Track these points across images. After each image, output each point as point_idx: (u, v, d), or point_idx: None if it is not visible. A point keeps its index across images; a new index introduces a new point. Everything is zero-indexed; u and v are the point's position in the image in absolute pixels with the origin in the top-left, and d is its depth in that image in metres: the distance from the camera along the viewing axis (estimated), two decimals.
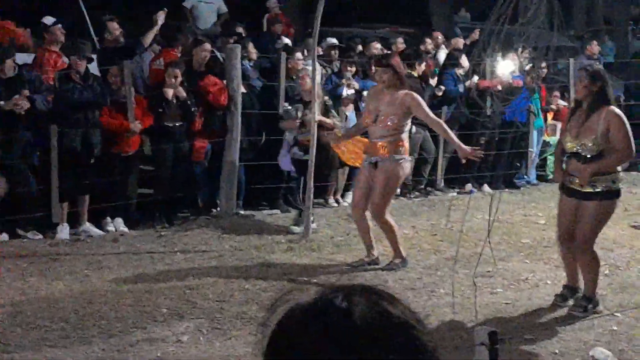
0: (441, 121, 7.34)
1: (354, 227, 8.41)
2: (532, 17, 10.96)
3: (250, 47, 9.65)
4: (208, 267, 7.10)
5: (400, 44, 11.21)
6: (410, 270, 6.97)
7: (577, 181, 5.71)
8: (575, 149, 5.71)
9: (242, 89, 8.84)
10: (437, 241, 7.97)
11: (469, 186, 10.46)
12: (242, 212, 8.89)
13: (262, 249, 7.61)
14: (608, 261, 7.32)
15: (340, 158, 8.43)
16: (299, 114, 8.50)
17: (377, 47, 10.33)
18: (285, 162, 8.70)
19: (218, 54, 9.28)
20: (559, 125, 11.30)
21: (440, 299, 6.28)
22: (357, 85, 9.50)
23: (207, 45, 9.00)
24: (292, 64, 9.29)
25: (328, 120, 8.23)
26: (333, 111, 8.60)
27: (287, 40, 10.79)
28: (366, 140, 7.31)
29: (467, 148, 6.92)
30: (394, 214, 9.17)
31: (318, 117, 7.87)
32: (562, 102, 11.46)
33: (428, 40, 11.12)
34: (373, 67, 9.63)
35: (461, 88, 10.21)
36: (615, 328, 5.65)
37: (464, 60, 10.37)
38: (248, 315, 5.83)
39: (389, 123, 6.78)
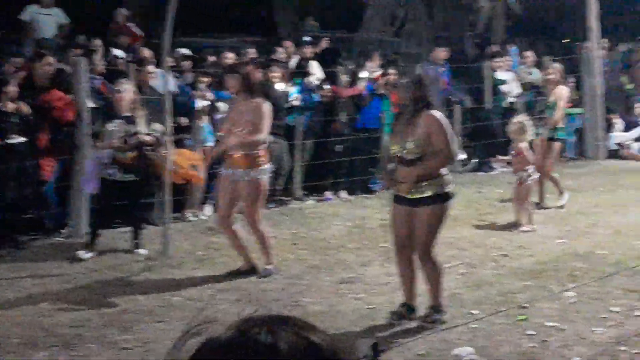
0: (261, 136, 7.02)
1: (214, 241, 8.29)
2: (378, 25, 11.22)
3: (97, 59, 9.29)
4: (61, 291, 6.74)
5: (252, 53, 11.17)
6: (274, 281, 6.91)
7: (405, 187, 5.67)
8: (399, 152, 5.73)
9: (92, 104, 8.48)
10: (299, 250, 7.95)
11: (327, 194, 10.55)
12: None
13: (119, 269, 7.33)
14: (463, 260, 7.55)
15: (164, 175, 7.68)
16: (119, 132, 7.71)
17: (229, 56, 10.23)
18: (90, 184, 7.87)
19: (65, 67, 8.87)
20: None
21: (305, 308, 6.25)
22: (211, 96, 9.36)
23: (50, 59, 8.60)
24: (143, 76, 9.03)
25: (151, 139, 7.72)
26: (156, 125, 7.93)
27: (117, 52, 10.39)
28: (189, 152, 7.27)
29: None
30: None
31: (143, 135, 7.61)
32: None
33: (279, 49, 11.12)
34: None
35: (316, 97, 10.29)
36: (475, 326, 5.80)
37: (316, 69, 10.45)
38: (108, 339, 5.57)
39: (243, 131, 6.78)
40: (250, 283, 6.88)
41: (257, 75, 7.36)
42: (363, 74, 10.47)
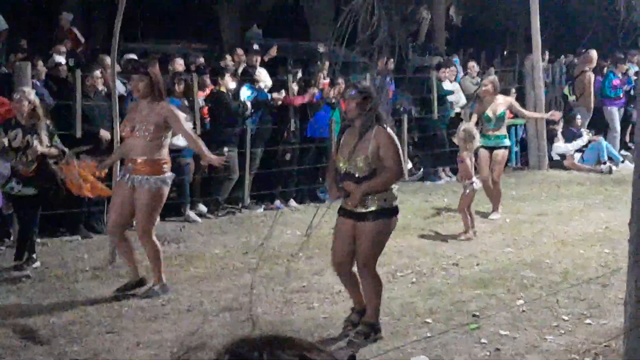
0: (192, 134, 7.00)
1: (163, 250, 8.14)
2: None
3: (40, 64, 9.08)
4: (6, 302, 6.54)
5: (199, 61, 11.10)
6: (226, 291, 6.83)
7: (350, 202, 5.50)
8: (347, 169, 5.50)
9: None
10: (250, 259, 7.88)
11: (277, 202, 10.50)
12: (38, 239, 8.30)
13: (65, 278, 7.15)
14: (414, 269, 7.59)
15: (70, 188, 7.31)
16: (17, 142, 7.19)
17: (180, 62, 10.11)
18: None
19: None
20: None
21: (259, 318, 6.18)
22: None
23: None
24: (90, 81, 8.86)
25: (54, 150, 7.29)
26: (56, 136, 7.45)
27: (58, 58, 10.16)
28: (93, 164, 7.06)
29: (214, 156, 6.84)
30: (202, 233, 9.07)
31: (42, 147, 7.17)
32: None
33: (228, 57, 11.04)
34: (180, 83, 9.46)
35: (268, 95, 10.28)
36: (428, 334, 5.82)
37: (265, 76, 10.41)
38: (57, 351, 5.43)
39: (145, 134, 6.44)
40: (201, 292, 6.79)
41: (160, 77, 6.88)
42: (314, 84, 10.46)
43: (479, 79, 13.74)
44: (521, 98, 13.95)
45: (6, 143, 7.15)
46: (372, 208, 5.48)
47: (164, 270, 6.74)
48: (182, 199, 9.70)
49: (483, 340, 5.66)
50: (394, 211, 5.60)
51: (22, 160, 7.13)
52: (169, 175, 6.60)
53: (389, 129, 5.56)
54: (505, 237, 8.94)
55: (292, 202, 10.65)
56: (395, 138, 5.60)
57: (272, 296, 6.71)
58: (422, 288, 7.01)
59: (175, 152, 9.44)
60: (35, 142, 7.14)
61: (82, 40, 12.88)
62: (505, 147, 10.01)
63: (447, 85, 13.02)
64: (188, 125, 6.80)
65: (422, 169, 13.05)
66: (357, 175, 5.47)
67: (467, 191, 8.90)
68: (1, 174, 7.14)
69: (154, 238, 6.62)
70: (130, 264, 6.80)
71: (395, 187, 5.60)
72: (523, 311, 6.33)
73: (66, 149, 7.42)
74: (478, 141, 9.09)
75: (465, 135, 8.89)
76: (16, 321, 6.01)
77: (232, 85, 9.97)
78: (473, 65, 14.14)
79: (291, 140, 10.56)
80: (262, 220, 9.74)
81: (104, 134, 8.83)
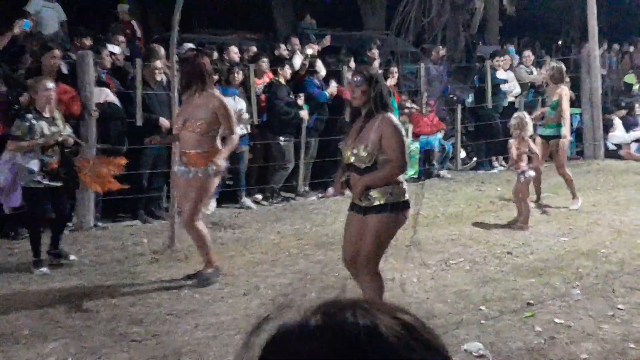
0: (235, 135, 6.68)
1: (219, 235, 8.34)
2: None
3: (105, 53, 9.28)
4: (69, 283, 6.75)
5: (252, 51, 11.19)
6: (281, 276, 6.94)
7: (355, 195, 5.23)
8: (351, 160, 5.21)
9: (111, 98, 8.47)
10: (304, 245, 7.98)
11: (330, 190, 10.57)
12: (100, 224, 8.54)
13: (125, 262, 7.35)
14: (467, 257, 7.60)
15: (84, 182, 7.36)
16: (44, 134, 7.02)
17: (235, 51, 10.23)
18: (13, 198, 7.02)
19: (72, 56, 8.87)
20: (411, 127, 11.67)
21: (311, 302, 6.27)
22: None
23: (57, 52, 8.58)
24: (149, 71, 9.04)
25: (70, 140, 7.21)
26: (68, 126, 7.34)
27: (114, 49, 10.35)
28: (118, 161, 7.04)
29: (219, 166, 6.45)
30: (258, 220, 9.21)
31: (66, 137, 7.08)
32: (413, 105, 11.83)
33: (282, 46, 11.13)
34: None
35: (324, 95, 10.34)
36: (482, 322, 5.84)
37: (320, 66, 10.48)
38: (118, 332, 5.59)
39: (197, 129, 6.41)
40: (257, 277, 6.91)
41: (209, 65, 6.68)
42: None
43: (533, 68, 13.62)
44: (577, 87, 13.82)
45: (40, 139, 7.00)
46: (377, 202, 5.16)
47: (213, 256, 6.75)
48: (238, 186, 9.85)
49: (537, 328, 5.66)
50: (402, 207, 5.21)
51: (47, 153, 7.02)
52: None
53: (394, 118, 5.25)
54: (561, 227, 8.88)
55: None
56: (401, 128, 5.28)
57: (326, 281, 6.80)
58: (475, 276, 7.02)
59: None
60: (59, 129, 7.05)
61: (140, 31, 13.11)
62: (560, 136, 9.91)
63: (501, 74, 12.93)
64: (236, 123, 6.66)
65: (475, 158, 13.00)
66: (359, 166, 5.16)
67: (522, 179, 8.86)
68: (29, 169, 6.95)
69: (199, 225, 6.58)
70: (202, 254, 6.74)
71: (403, 181, 5.27)
72: (578, 300, 6.30)
73: (82, 142, 7.42)
74: (530, 129, 9.03)
75: (519, 122, 8.86)
76: (78, 303, 6.20)
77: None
78: (529, 54, 14.00)
79: (345, 129, 10.61)
80: (315, 208, 9.85)
81: (164, 122, 9.01)
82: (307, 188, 10.63)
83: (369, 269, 5.26)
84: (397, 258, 7.60)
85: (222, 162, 6.47)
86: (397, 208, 5.17)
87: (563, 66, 10.17)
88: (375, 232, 5.17)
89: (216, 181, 6.63)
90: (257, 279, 6.86)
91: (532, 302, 6.24)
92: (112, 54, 9.89)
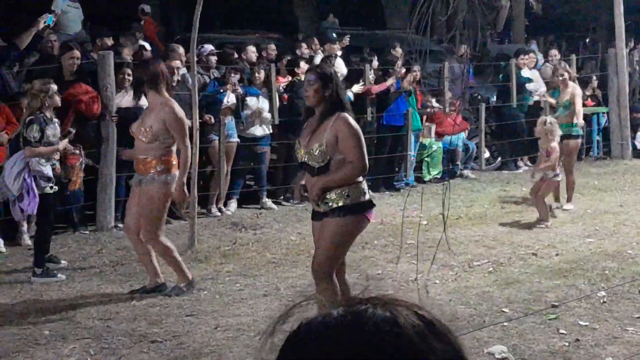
0: (185, 151, 6.23)
1: (239, 236, 8.31)
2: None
3: (126, 52, 9.27)
4: (89, 284, 6.75)
5: (271, 50, 11.14)
6: (302, 277, 6.88)
7: (312, 200, 5.05)
8: (304, 158, 5.03)
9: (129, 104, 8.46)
10: None
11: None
12: (120, 225, 8.53)
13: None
14: (491, 258, 7.50)
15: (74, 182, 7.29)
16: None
17: (253, 51, 10.21)
18: (32, 204, 6.63)
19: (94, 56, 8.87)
20: (434, 127, 11.57)
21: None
22: (241, 91, 9.33)
23: (77, 52, 8.60)
24: (169, 71, 9.02)
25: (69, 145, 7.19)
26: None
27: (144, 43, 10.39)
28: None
29: (179, 192, 6.19)
30: (278, 220, 9.16)
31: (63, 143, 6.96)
32: (436, 105, 11.73)
33: (304, 45, 11.08)
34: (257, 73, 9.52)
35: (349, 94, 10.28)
36: (505, 324, 5.75)
37: (341, 66, 10.42)
38: (138, 333, 5.57)
39: (142, 136, 6.10)
40: (277, 278, 6.86)
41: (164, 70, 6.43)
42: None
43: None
44: (604, 86, 13.65)
45: (59, 144, 6.84)
46: (334, 204, 4.95)
47: (185, 268, 6.45)
48: (259, 186, 9.82)
49: (562, 331, 5.56)
50: (363, 207, 5.02)
51: (54, 157, 6.84)
52: (174, 174, 6.17)
53: (350, 118, 5.02)
54: (586, 228, 8.75)
55: (369, 192, 10.64)
56: (358, 128, 5.06)
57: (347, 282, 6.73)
58: (499, 277, 6.92)
59: (252, 140, 9.57)
60: (57, 130, 6.87)
61: (160, 30, 13.15)
62: (576, 137, 9.73)
63: (525, 72, 12.78)
64: (187, 135, 6.31)
65: (499, 158, 12.86)
66: (313, 165, 4.97)
67: (551, 180, 8.79)
68: (46, 175, 6.68)
69: (162, 239, 6.24)
70: (147, 267, 6.50)
71: (362, 181, 5.08)
72: (604, 302, 6.18)
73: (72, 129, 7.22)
74: (559, 132, 8.95)
75: (549, 128, 8.78)
76: (98, 303, 6.19)
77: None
78: (555, 53, 13.85)
79: (367, 129, 10.54)
80: None
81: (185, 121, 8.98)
82: None
83: (321, 276, 4.97)
84: (419, 259, 7.52)
85: (180, 187, 6.14)
86: (357, 209, 4.98)
87: (567, 66, 10.12)
88: (331, 236, 4.96)
89: (170, 193, 6.17)
90: (277, 279, 6.82)
91: (556, 304, 6.14)
92: (143, 48, 9.88)
